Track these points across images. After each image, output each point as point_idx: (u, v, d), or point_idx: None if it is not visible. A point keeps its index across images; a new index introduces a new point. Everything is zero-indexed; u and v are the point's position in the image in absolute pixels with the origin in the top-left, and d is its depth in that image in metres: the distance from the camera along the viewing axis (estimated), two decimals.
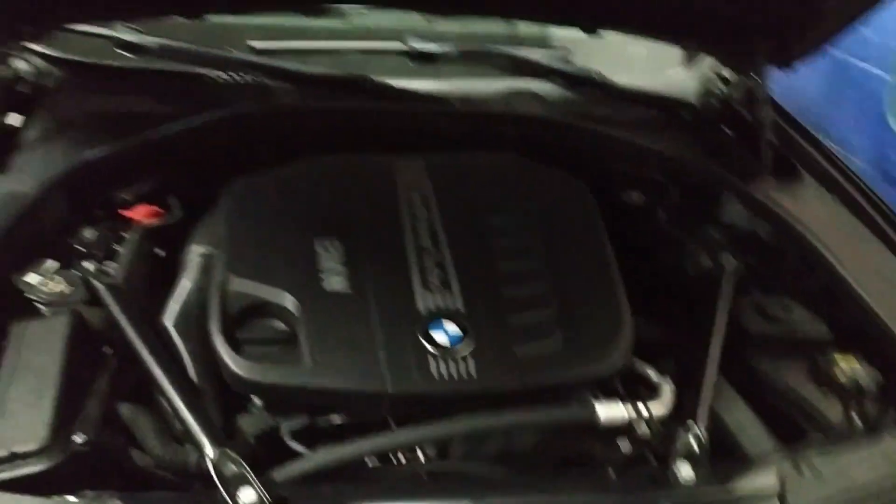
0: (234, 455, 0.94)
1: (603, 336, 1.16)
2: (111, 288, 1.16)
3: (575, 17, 1.61)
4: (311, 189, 1.35)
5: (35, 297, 1.13)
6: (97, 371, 1.08)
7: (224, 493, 0.90)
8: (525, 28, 2.05)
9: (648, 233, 1.52)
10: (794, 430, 1.17)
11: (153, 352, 1.08)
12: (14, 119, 1.47)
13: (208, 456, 0.94)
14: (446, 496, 0.98)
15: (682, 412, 1.12)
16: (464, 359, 1.08)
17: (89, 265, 1.20)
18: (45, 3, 1.46)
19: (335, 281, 1.16)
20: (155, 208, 1.38)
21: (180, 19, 1.59)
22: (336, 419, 1.09)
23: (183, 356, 1.12)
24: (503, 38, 1.98)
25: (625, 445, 1.12)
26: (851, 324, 1.27)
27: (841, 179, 1.52)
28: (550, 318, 1.17)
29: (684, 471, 1.00)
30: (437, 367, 1.07)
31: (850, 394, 1.18)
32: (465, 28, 1.91)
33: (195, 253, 1.26)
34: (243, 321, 1.12)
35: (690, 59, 1.86)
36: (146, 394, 1.09)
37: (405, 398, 1.05)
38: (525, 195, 1.39)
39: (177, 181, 1.45)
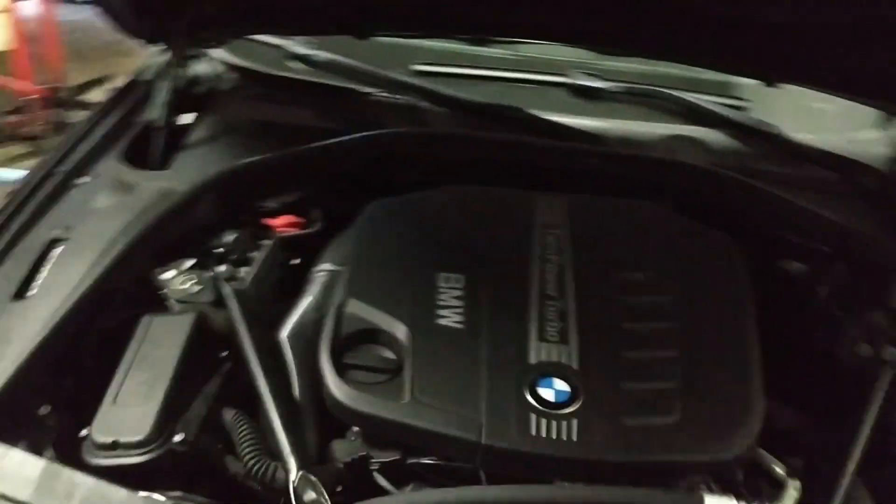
0: (315, 481, 0.93)
1: (727, 417, 1.06)
2: (237, 293, 1.19)
3: (752, 67, 1.50)
4: (445, 218, 1.33)
5: (167, 294, 1.19)
6: (210, 373, 1.12)
7: None
8: (705, 74, 1.93)
9: (803, 309, 1.38)
10: None
11: (262, 363, 1.09)
12: (186, 118, 1.56)
13: (291, 477, 0.94)
14: None
15: None
16: (567, 420, 1.02)
17: (222, 268, 1.24)
18: (228, 15, 1.55)
19: (450, 318, 1.13)
20: (296, 219, 1.42)
21: (351, 38, 1.63)
22: (427, 461, 1.06)
23: (291, 371, 1.13)
24: (680, 82, 1.88)
25: None
26: None
27: None
28: (671, 391, 1.08)
29: None
30: (538, 425, 1.01)
31: None
32: (636, 68, 1.83)
33: (323, 269, 1.27)
34: (353, 345, 1.12)
35: (887, 120, 1.68)
36: (252, 403, 1.11)
37: (499, 452, 1.00)
38: (670, 252, 1.30)
39: (323, 194, 1.48)
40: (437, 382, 1.06)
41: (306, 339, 1.16)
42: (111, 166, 1.40)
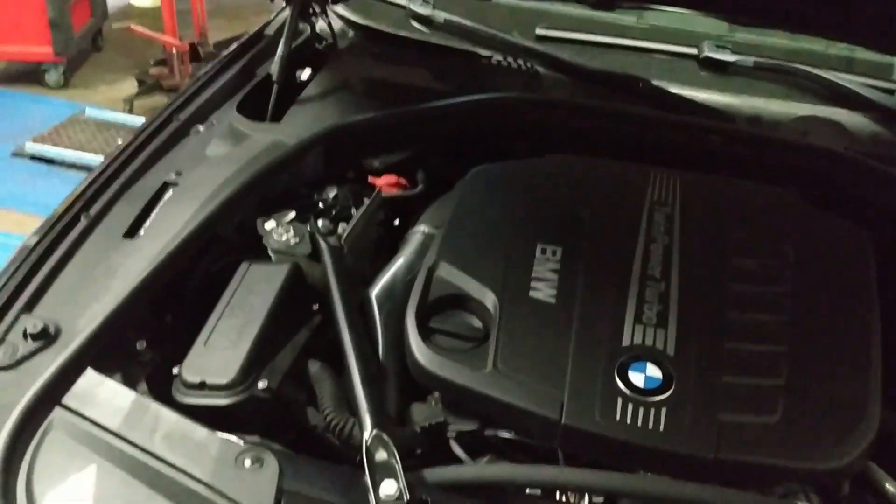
0: (388, 441, 0.92)
1: (835, 423, 0.97)
2: (333, 249, 1.20)
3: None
4: (549, 187, 1.29)
5: (266, 243, 1.21)
6: (300, 324, 1.13)
7: (368, 478, 0.89)
8: (865, 54, 1.76)
9: None
10: None
11: (350, 320, 1.09)
12: (303, 74, 1.58)
13: (365, 436, 0.94)
14: None
15: None
16: (655, 408, 0.96)
17: (321, 223, 1.25)
18: None
19: (543, 291, 1.09)
20: (401, 179, 1.41)
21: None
22: (505, 434, 1.03)
23: (377, 331, 1.12)
24: (826, 60, 1.72)
25: None
26: None
27: None
28: (774, 388, 1.00)
29: None
30: (623, 410, 0.96)
31: None
32: (775, 42, 1.71)
33: (419, 231, 1.26)
34: (440, 309, 1.10)
35: None
36: (338, 358, 1.11)
37: (579, 433, 0.96)
38: (789, 240, 1.21)
39: (429, 156, 1.46)
40: (522, 355, 1.02)
41: (395, 299, 1.15)
42: (227, 116, 1.43)
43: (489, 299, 1.08)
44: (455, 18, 1.63)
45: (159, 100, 4.31)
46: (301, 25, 1.61)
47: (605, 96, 1.53)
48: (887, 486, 0.98)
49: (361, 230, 1.27)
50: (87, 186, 1.27)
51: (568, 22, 1.74)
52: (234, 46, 1.67)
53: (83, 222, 1.20)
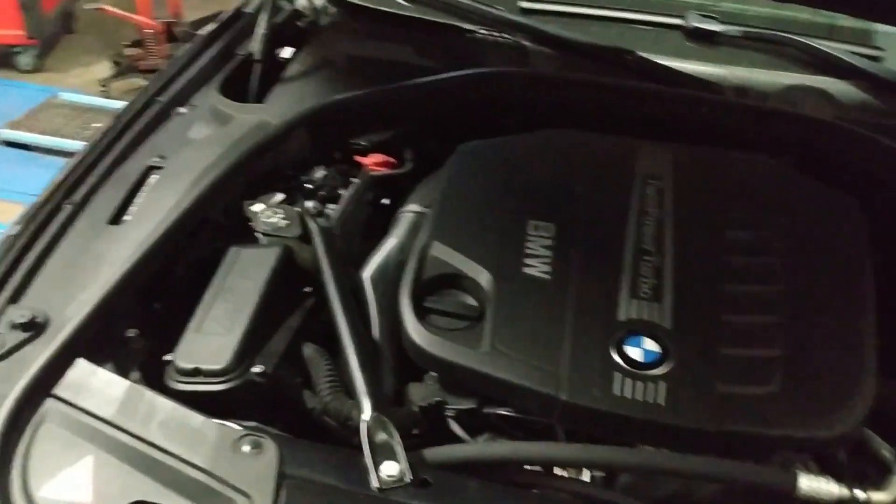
0: (387, 422, 0.91)
1: (832, 392, 0.97)
2: (324, 230, 1.18)
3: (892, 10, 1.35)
4: (539, 163, 1.27)
5: (255, 226, 1.19)
6: (293, 307, 1.11)
7: (368, 459, 0.88)
8: (845, 20, 1.76)
9: None
10: None
11: (343, 301, 1.08)
12: (285, 52, 1.55)
13: (363, 418, 0.93)
14: None
15: None
16: (654, 382, 0.96)
17: (310, 204, 1.23)
18: None
19: (537, 268, 1.09)
20: (388, 158, 1.39)
21: None
22: (503, 412, 1.02)
23: (371, 312, 1.11)
24: (808, 28, 1.72)
25: None
26: None
27: None
28: (771, 359, 1.00)
29: None
30: (622, 385, 0.96)
31: None
32: (760, 11, 1.70)
33: (409, 210, 1.25)
34: (435, 289, 1.09)
35: None
36: (333, 339, 1.10)
37: (578, 409, 0.96)
38: (783, 211, 1.20)
39: (417, 134, 1.44)
40: (519, 333, 1.02)
41: (388, 280, 1.14)
42: (209, 97, 1.40)
43: (484, 277, 1.07)
44: None
45: (135, 82, 4.24)
46: (281, 2, 1.58)
47: (594, 69, 1.51)
48: (883, 451, 0.99)
49: (351, 211, 1.26)
50: (70, 173, 1.24)
51: None
52: (211, 26, 1.63)
53: (67, 209, 1.17)
